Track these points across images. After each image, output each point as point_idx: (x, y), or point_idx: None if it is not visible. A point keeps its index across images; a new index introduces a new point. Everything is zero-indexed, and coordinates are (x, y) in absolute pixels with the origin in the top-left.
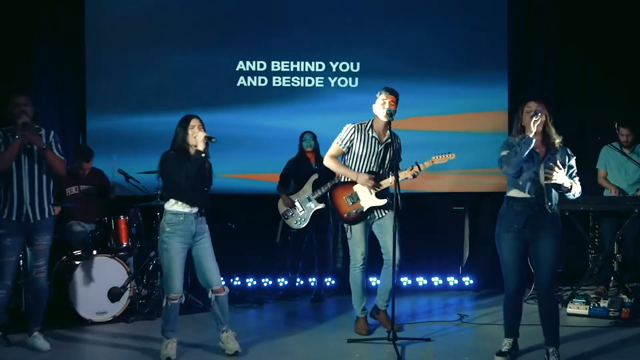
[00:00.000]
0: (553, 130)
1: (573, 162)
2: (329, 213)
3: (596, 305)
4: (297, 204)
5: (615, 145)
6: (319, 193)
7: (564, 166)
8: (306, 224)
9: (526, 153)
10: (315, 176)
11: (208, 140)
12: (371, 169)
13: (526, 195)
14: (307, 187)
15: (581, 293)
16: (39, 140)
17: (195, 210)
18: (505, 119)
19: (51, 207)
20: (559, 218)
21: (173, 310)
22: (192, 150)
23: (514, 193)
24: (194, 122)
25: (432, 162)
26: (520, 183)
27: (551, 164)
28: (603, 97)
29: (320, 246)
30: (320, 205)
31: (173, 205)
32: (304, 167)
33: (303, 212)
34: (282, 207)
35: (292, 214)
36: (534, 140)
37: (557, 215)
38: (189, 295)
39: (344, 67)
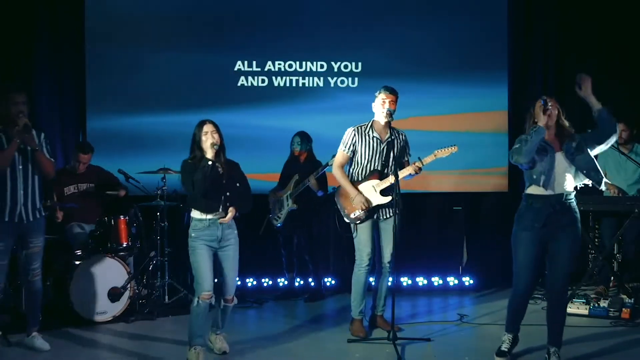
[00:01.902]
0: (567, 124)
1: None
2: (315, 214)
3: (596, 305)
4: (280, 203)
5: (614, 145)
6: (290, 192)
7: (581, 149)
8: (281, 223)
9: (537, 141)
10: (296, 177)
11: (212, 146)
12: (375, 168)
13: (543, 190)
14: (288, 188)
15: (581, 293)
16: (33, 141)
17: (218, 215)
18: (505, 119)
19: (41, 207)
20: (578, 216)
21: (203, 310)
22: (207, 156)
23: (532, 190)
24: (207, 128)
25: (435, 156)
26: (534, 176)
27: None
28: (603, 98)
29: (309, 247)
30: (294, 206)
31: (195, 212)
32: (292, 168)
33: (282, 211)
34: (270, 203)
35: (274, 211)
36: (545, 130)
37: (576, 212)
38: (189, 296)
39: (345, 67)
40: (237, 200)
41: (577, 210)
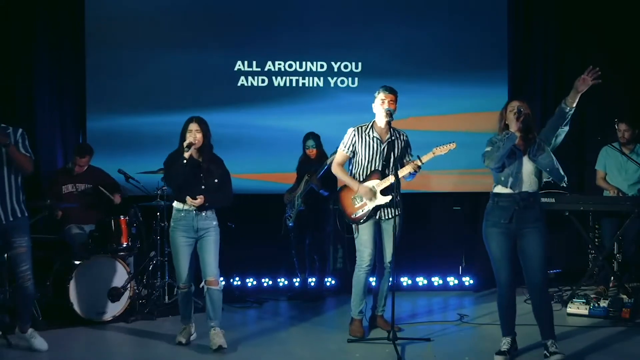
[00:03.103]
0: (534, 127)
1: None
2: (325, 214)
3: (596, 305)
4: (292, 203)
5: (615, 145)
6: (300, 192)
7: (542, 149)
8: (292, 222)
9: (508, 148)
10: (306, 177)
11: (188, 147)
12: (376, 168)
13: (509, 190)
14: (299, 188)
15: (581, 293)
16: (5, 137)
17: (193, 207)
18: None
19: (23, 206)
20: (543, 213)
21: (183, 298)
22: (184, 154)
23: (498, 189)
24: (191, 127)
25: (434, 153)
26: (502, 178)
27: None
28: (603, 97)
29: (318, 247)
30: (302, 206)
31: (175, 202)
32: (305, 167)
33: (293, 210)
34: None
35: (288, 211)
36: (517, 136)
37: (541, 209)
38: None
39: (345, 67)
40: (212, 193)
41: (542, 207)
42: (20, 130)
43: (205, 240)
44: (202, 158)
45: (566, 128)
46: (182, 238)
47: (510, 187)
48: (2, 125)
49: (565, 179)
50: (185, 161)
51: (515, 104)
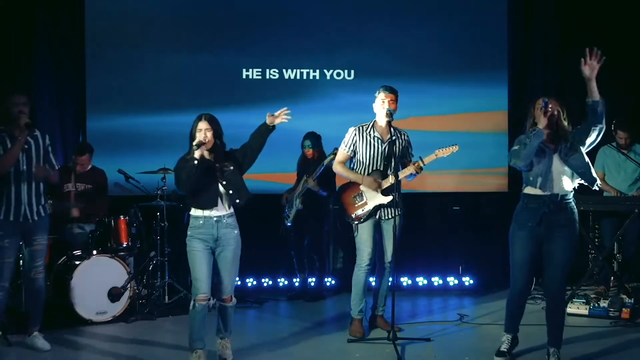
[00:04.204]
0: (565, 124)
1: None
2: (323, 214)
3: (596, 305)
4: (290, 203)
5: (613, 145)
6: (299, 192)
7: (575, 149)
8: (291, 222)
9: (535, 145)
10: (305, 177)
11: (198, 145)
12: (377, 168)
13: (538, 191)
14: (298, 188)
15: (581, 293)
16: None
17: (214, 213)
18: (505, 119)
19: (47, 206)
20: (576, 217)
21: (200, 312)
22: (195, 155)
23: (528, 190)
24: (200, 125)
25: (436, 155)
26: (531, 178)
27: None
28: (603, 98)
29: (318, 247)
30: (300, 206)
31: (192, 210)
32: (304, 167)
33: (292, 210)
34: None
35: (286, 211)
36: (544, 133)
37: (574, 213)
38: (189, 295)
39: (346, 67)
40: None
41: (574, 210)
42: (47, 136)
43: (224, 255)
44: (214, 159)
45: (600, 125)
46: (200, 244)
47: (540, 188)
48: (32, 126)
49: (598, 182)
50: (196, 162)
51: (541, 100)
